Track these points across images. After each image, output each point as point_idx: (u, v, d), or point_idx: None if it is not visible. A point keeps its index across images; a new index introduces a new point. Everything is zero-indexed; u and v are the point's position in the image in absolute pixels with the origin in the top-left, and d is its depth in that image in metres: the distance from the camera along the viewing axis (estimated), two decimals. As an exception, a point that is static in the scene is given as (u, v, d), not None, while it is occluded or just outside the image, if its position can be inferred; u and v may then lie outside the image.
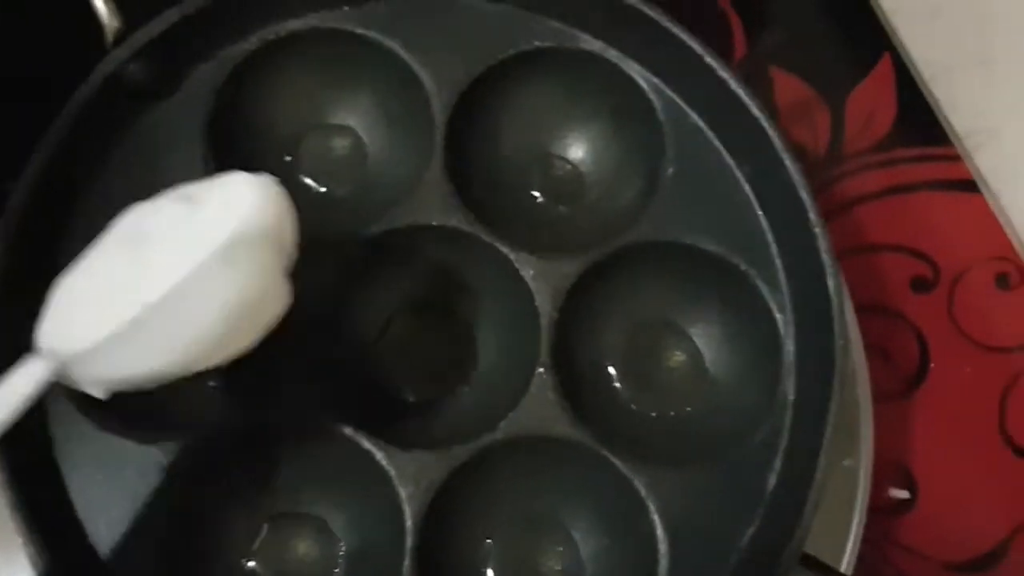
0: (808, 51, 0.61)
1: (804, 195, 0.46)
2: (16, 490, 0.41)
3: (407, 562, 0.43)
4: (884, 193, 0.60)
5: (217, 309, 0.36)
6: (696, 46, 0.47)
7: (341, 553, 0.46)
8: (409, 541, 0.43)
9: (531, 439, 0.45)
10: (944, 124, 0.61)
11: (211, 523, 0.45)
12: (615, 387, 0.49)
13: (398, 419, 0.47)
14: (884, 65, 0.62)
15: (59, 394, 0.44)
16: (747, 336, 0.48)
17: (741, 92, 0.47)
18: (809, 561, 0.43)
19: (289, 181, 0.49)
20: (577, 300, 0.47)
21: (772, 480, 0.45)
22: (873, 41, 0.62)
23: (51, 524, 0.42)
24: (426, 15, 0.49)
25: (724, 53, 0.60)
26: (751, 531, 0.44)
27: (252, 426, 0.45)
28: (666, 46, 0.48)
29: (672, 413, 0.48)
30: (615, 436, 0.46)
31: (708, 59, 0.47)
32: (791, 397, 0.46)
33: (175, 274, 0.36)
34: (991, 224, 0.59)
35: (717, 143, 0.49)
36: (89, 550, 0.43)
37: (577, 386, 0.46)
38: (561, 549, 0.47)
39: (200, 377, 0.39)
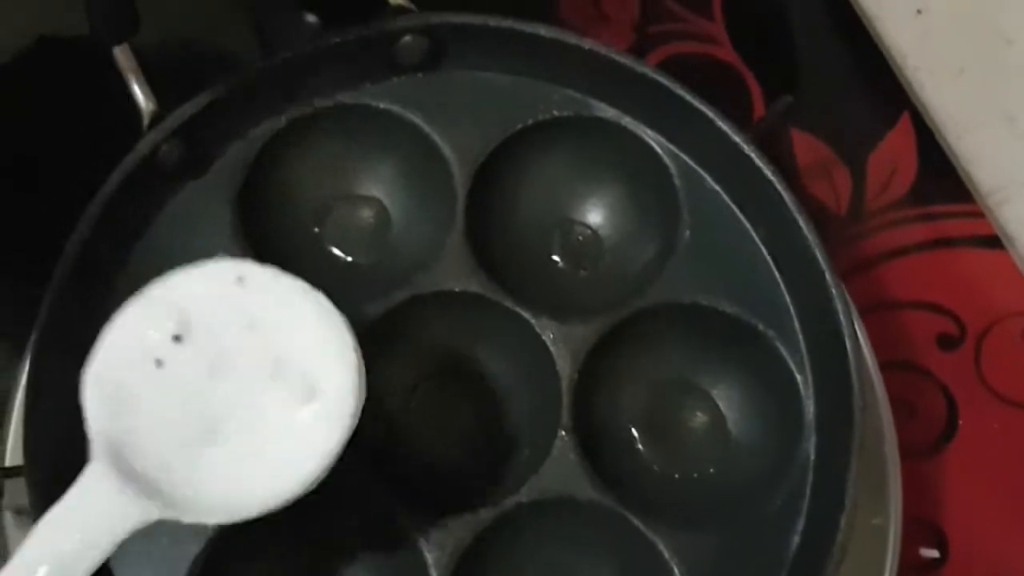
0: (827, 111, 0.62)
1: (820, 256, 0.46)
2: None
3: (434, 625, 0.44)
4: (907, 250, 0.60)
5: None
6: (708, 111, 0.48)
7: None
8: (435, 605, 0.44)
9: (554, 502, 0.46)
10: (966, 180, 0.61)
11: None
12: (637, 449, 0.49)
13: (423, 484, 0.48)
14: (904, 123, 0.62)
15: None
16: (768, 397, 0.48)
17: (753, 154, 0.48)
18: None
19: (316, 251, 0.51)
20: (597, 363, 0.47)
21: (795, 541, 0.45)
22: (893, 99, 0.63)
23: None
24: (446, 88, 0.51)
25: (742, 115, 0.61)
26: (775, 593, 0.44)
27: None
28: (680, 112, 0.49)
29: (695, 475, 0.48)
30: (638, 498, 0.46)
31: (720, 124, 0.48)
32: (812, 457, 0.46)
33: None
34: (1016, 279, 0.58)
35: (733, 206, 0.50)
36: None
37: (599, 448, 0.47)
38: (587, 611, 0.47)
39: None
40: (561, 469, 0.46)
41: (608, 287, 0.50)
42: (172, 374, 0.39)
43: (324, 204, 0.52)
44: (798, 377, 0.47)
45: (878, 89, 0.63)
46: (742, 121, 0.49)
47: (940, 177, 0.61)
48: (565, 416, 0.46)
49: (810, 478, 0.46)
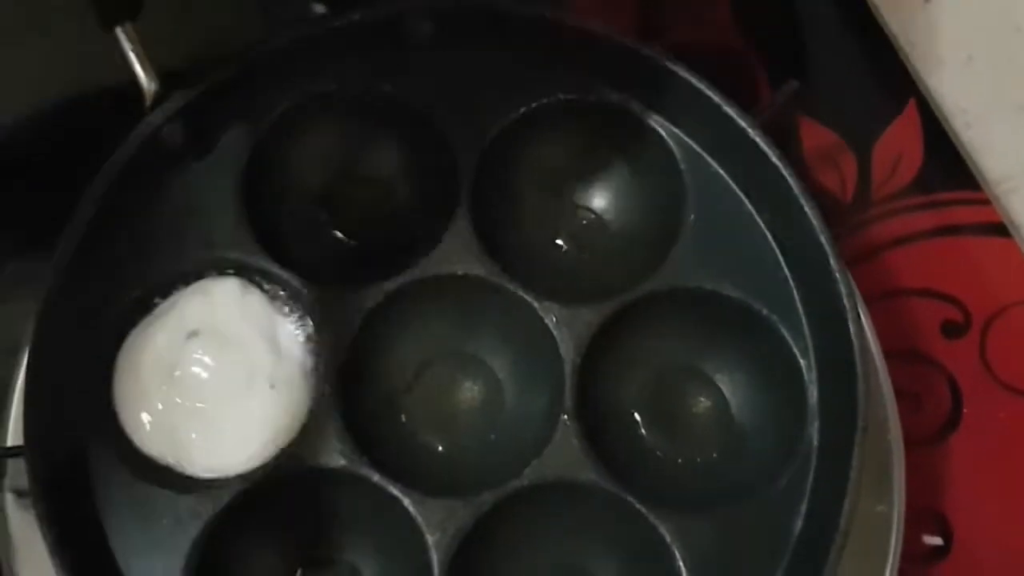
0: (834, 97, 0.62)
1: (824, 241, 0.46)
2: (56, 536, 0.42)
3: (434, 608, 0.44)
4: (913, 237, 0.59)
5: None
6: (714, 96, 0.48)
7: (371, 599, 0.47)
8: (436, 587, 0.44)
9: (557, 486, 0.46)
10: (974, 169, 0.61)
11: (246, 570, 0.46)
12: (640, 433, 0.49)
13: (426, 466, 0.48)
14: (910, 110, 0.62)
15: (99, 442, 0.46)
16: (771, 381, 0.48)
17: (759, 139, 0.48)
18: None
19: (321, 234, 0.51)
20: (601, 347, 0.47)
21: (798, 525, 0.45)
22: (900, 86, 0.63)
23: (91, 570, 0.43)
24: (450, 71, 0.51)
25: (748, 100, 0.60)
26: (778, 577, 0.44)
27: (284, 474, 0.46)
28: (685, 97, 0.49)
29: (698, 459, 0.48)
30: (640, 482, 0.46)
31: (726, 108, 0.48)
32: (816, 442, 0.46)
33: None
34: (1022, 267, 0.58)
35: (738, 190, 0.49)
36: (126, 596, 0.44)
37: (602, 433, 0.47)
38: (588, 596, 0.47)
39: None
40: (564, 453, 0.46)
41: (612, 271, 0.50)
42: None
43: (328, 187, 0.52)
44: (802, 362, 0.47)
45: (885, 76, 0.63)
46: (748, 106, 0.49)
47: (946, 165, 0.61)
48: (568, 400, 0.46)
49: (813, 464, 0.46)
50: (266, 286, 0.48)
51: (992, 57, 0.61)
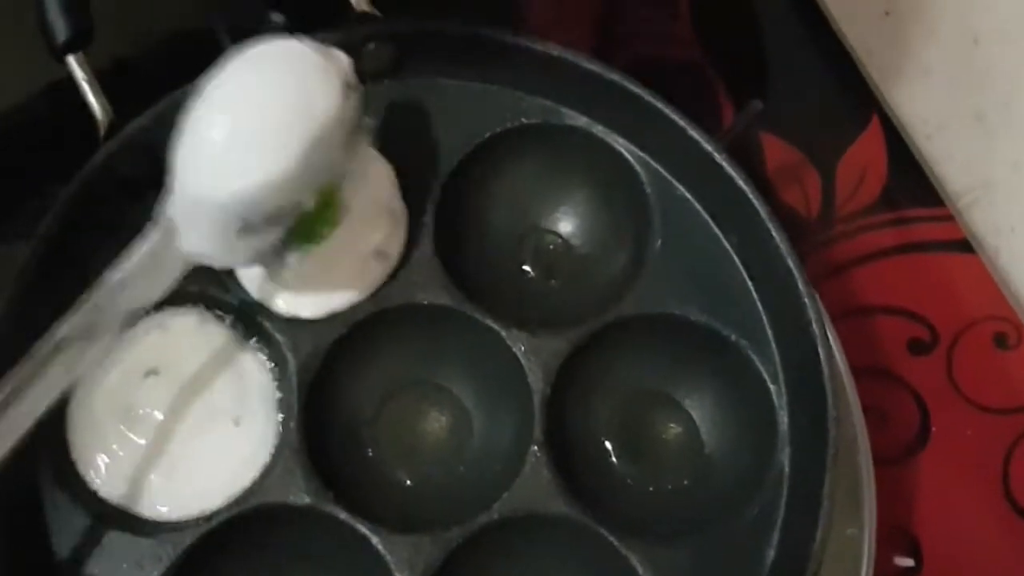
0: (796, 115, 0.62)
1: (792, 265, 0.46)
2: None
3: (405, 647, 0.43)
4: (878, 255, 0.59)
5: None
6: (679, 119, 0.48)
7: (339, 638, 0.46)
8: (406, 626, 0.43)
9: (527, 519, 0.45)
10: (936, 184, 0.61)
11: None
12: (611, 463, 0.48)
13: (393, 501, 0.47)
14: (874, 126, 0.62)
15: (54, 485, 0.44)
16: (741, 407, 0.48)
17: (725, 163, 0.47)
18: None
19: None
20: (569, 375, 0.47)
21: (770, 554, 0.45)
22: (862, 103, 0.63)
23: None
24: (411, 96, 0.50)
25: (710, 117, 0.60)
26: (751, 607, 0.44)
27: (247, 513, 0.45)
28: (650, 120, 0.48)
29: (669, 487, 0.48)
30: (611, 513, 0.45)
31: (691, 132, 0.48)
32: (787, 469, 0.46)
33: None
34: (987, 283, 0.58)
35: (704, 214, 0.49)
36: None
37: (572, 463, 0.46)
38: (560, 629, 0.46)
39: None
40: (534, 485, 0.45)
41: (580, 298, 0.50)
42: None
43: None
44: (771, 387, 0.47)
45: (848, 92, 0.63)
46: (711, 125, 0.49)
47: (911, 181, 0.61)
48: (537, 430, 0.46)
49: (785, 490, 0.45)
50: (226, 319, 0.47)
51: (951, 68, 0.61)
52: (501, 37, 0.49)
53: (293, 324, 0.47)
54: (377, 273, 0.47)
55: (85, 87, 0.47)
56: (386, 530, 0.44)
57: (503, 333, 0.47)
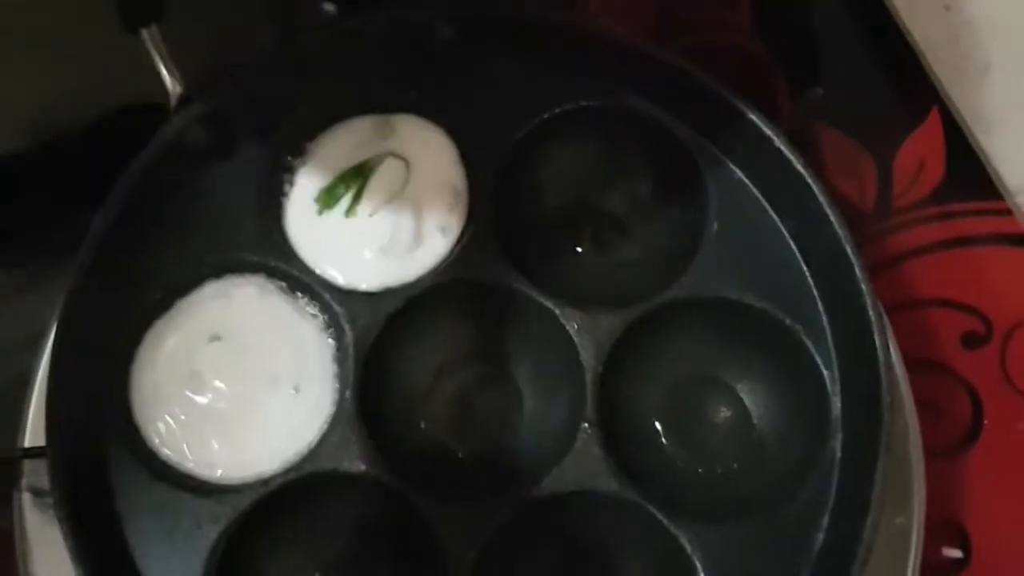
0: (855, 106, 0.61)
1: (849, 250, 0.46)
2: (77, 539, 0.42)
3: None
4: (934, 247, 0.59)
5: None
6: (739, 104, 0.48)
7: (390, 607, 0.46)
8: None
9: (576, 494, 0.45)
10: (994, 178, 0.60)
11: (264, 574, 0.46)
12: (661, 443, 0.49)
13: (445, 473, 0.48)
14: (932, 119, 0.62)
15: (119, 445, 0.46)
16: (794, 392, 0.48)
17: (784, 148, 0.47)
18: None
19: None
20: (622, 355, 0.47)
21: (819, 538, 0.45)
22: (921, 96, 0.62)
23: (110, 573, 0.43)
24: (471, 77, 0.50)
25: (769, 106, 0.60)
26: (798, 589, 0.44)
27: (303, 478, 0.46)
28: (709, 104, 0.48)
29: (719, 470, 0.48)
30: (660, 492, 0.46)
31: (751, 117, 0.48)
32: (838, 455, 0.46)
33: None
34: (1044, 278, 0.58)
35: (761, 199, 0.49)
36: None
37: (622, 442, 0.47)
38: (608, 606, 0.46)
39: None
40: (584, 462, 0.45)
41: (634, 279, 0.50)
42: None
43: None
44: (825, 373, 0.47)
45: (907, 85, 0.63)
46: (768, 112, 0.49)
47: (968, 175, 0.60)
48: (589, 408, 0.46)
49: (836, 476, 0.45)
50: (287, 289, 0.48)
51: (1012, 63, 0.60)
52: (562, 20, 0.50)
53: (351, 296, 0.48)
54: (438, 248, 0.48)
55: (157, 59, 0.48)
56: (437, 501, 0.45)
57: (557, 311, 0.47)
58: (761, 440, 0.48)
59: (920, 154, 0.61)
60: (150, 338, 0.47)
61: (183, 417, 0.46)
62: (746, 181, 0.49)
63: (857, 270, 0.45)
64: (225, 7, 0.59)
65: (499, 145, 0.50)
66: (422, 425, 0.49)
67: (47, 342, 0.48)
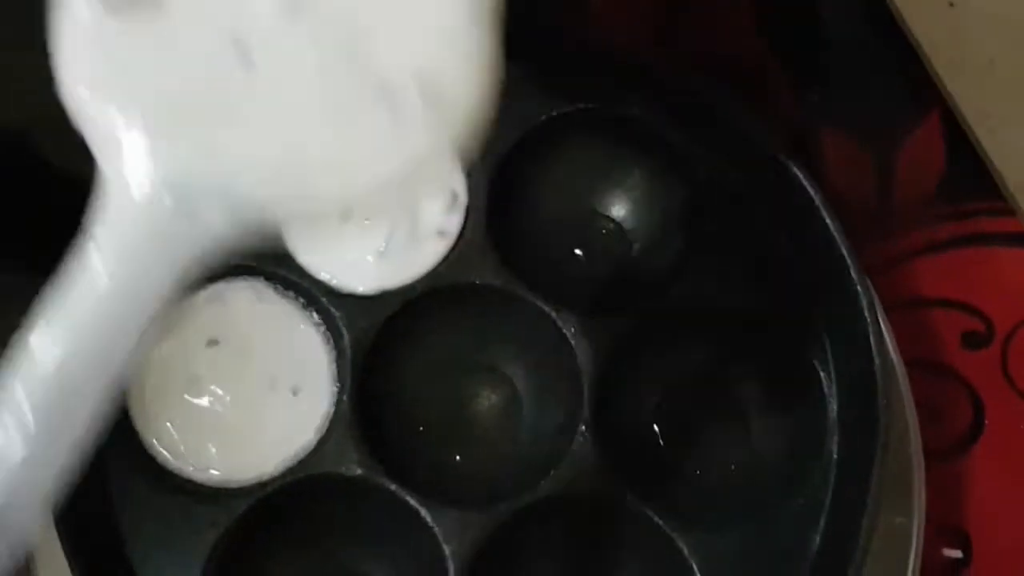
0: (857, 106, 0.61)
1: (845, 252, 0.46)
2: (74, 544, 0.43)
3: (451, 618, 0.44)
4: (935, 247, 0.59)
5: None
6: (735, 109, 0.48)
7: (387, 609, 0.47)
8: (452, 599, 0.44)
9: (574, 499, 0.45)
10: (996, 177, 0.60)
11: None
12: (658, 446, 0.49)
13: (442, 476, 0.48)
14: (934, 118, 0.61)
15: (117, 451, 0.46)
16: (791, 395, 0.48)
17: (780, 151, 0.47)
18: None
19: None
20: (619, 358, 0.47)
21: (816, 540, 0.45)
22: (922, 95, 0.62)
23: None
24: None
25: (771, 109, 0.60)
26: (796, 592, 0.44)
27: (301, 482, 0.46)
28: (706, 107, 0.49)
29: (716, 472, 0.48)
30: (658, 496, 0.46)
31: (747, 120, 0.48)
32: (835, 456, 0.46)
33: None
34: (1046, 278, 0.58)
35: (758, 202, 0.49)
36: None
37: (620, 445, 0.47)
38: (605, 609, 0.47)
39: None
40: (581, 466, 0.45)
41: (631, 283, 0.50)
42: None
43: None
44: (822, 375, 0.47)
45: (908, 84, 0.62)
46: (770, 114, 0.49)
47: (970, 173, 0.60)
48: (585, 412, 0.46)
49: (832, 478, 0.45)
50: (284, 292, 0.49)
51: (1016, 61, 0.60)
52: (558, 24, 0.50)
53: (348, 299, 0.48)
54: (436, 252, 0.48)
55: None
56: (435, 504, 0.45)
57: (554, 315, 0.47)
58: (758, 443, 0.48)
59: (921, 153, 0.61)
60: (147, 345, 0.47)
61: (181, 422, 0.46)
62: (743, 184, 0.49)
63: (852, 272, 0.45)
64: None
65: (497, 148, 0.50)
66: (420, 429, 0.49)
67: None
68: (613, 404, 0.47)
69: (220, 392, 0.47)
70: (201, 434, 0.46)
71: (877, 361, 0.44)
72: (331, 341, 0.48)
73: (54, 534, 0.43)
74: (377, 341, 0.48)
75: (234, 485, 0.46)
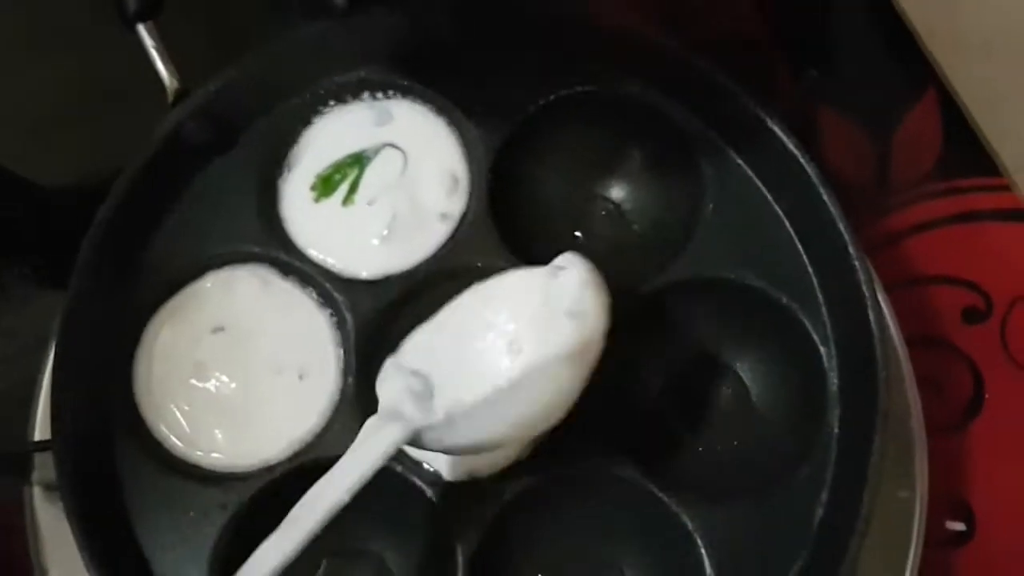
0: (854, 86, 0.62)
1: (843, 228, 0.46)
2: (84, 530, 0.43)
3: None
4: (933, 224, 0.59)
5: (553, 393, 0.40)
6: (733, 86, 0.48)
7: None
8: (461, 576, 0.44)
9: (578, 475, 0.46)
10: (992, 155, 0.60)
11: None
12: (663, 422, 0.49)
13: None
14: (930, 97, 0.62)
15: (125, 437, 0.46)
16: (792, 370, 0.48)
17: (778, 129, 0.48)
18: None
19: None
20: (621, 336, 0.47)
21: (819, 513, 0.45)
22: (918, 74, 0.62)
23: (118, 563, 0.44)
24: (469, 64, 0.51)
25: (768, 90, 0.60)
26: (799, 564, 0.44)
27: (308, 465, 0.46)
28: (704, 86, 0.49)
29: (719, 447, 0.48)
30: (663, 472, 0.46)
31: (745, 98, 0.48)
32: (836, 430, 0.46)
33: (532, 358, 0.39)
34: (1043, 253, 0.58)
35: (756, 179, 0.49)
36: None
37: (624, 421, 0.47)
38: (611, 584, 0.47)
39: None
40: (585, 442, 0.46)
41: (633, 262, 0.50)
42: None
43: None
44: (822, 350, 0.47)
45: (905, 64, 0.63)
46: (769, 95, 0.49)
47: (966, 151, 0.61)
48: (589, 389, 0.46)
49: (834, 451, 0.46)
50: (289, 278, 0.49)
51: (1012, 41, 0.60)
52: (558, 7, 0.50)
53: (352, 284, 0.48)
54: (440, 235, 0.49)
55: (155, 55, 0.48)
56: (442, 483, 0.45)
57: (556, 294, 0.48)
58: (760, 417, 0.49)
59: (918, 132, 0.61)
60: (153, 330, 0.48)
61: (188, 407, 0.47)
62: (741, 163, 0.50)
63: (851, 248, 0.46)
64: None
65: (497, 130, 0.50)
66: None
67: (52, 337, 0.49)
68: (616, 382, 0.47)
69: (226, 378, 0.47)
70: (208, 419, 0.47)
71: (876, 334, 0.44)
72: (336, 326, 0.48)
73: (63, 519, 0.43)
74: (381, 325, 0.48)
75: (241, 469, 0.46)
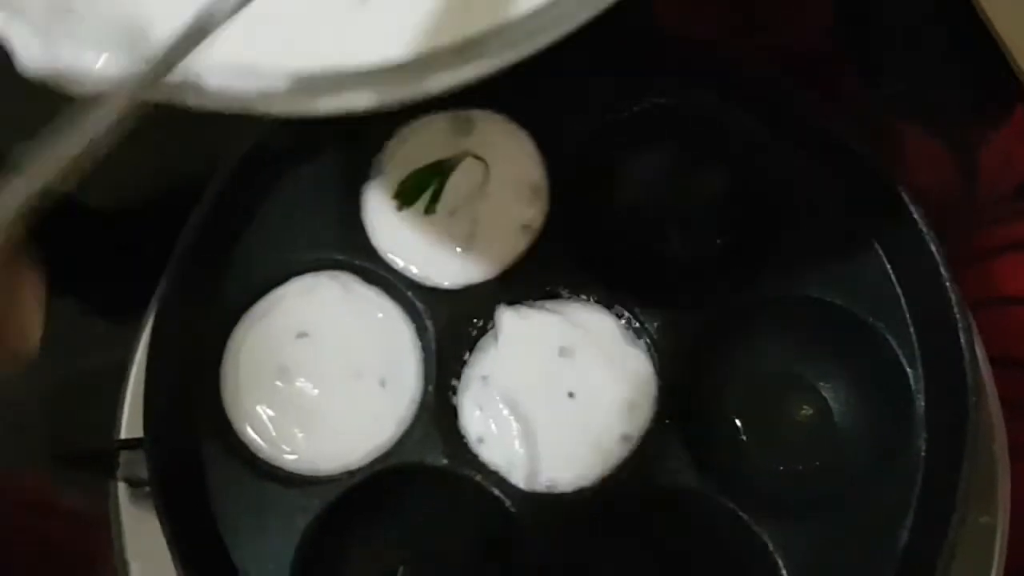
0: (939, 104, 0.61)
1: (934, 248, 0.45)
2: (173, 528, 0.44)
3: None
4: (1019, 245, 0.58)
5: None
6: (815, 103, 0.48)
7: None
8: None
9: (659, 492, 0.46)
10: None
11: (351, 563, 0.47)
12: (742, 440, 0.49)
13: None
14: (1019, 115, 0.61)
15: (212, 437, 0.47)
16: (877, 390, 0.48)
17: (863, 147, 0.47)
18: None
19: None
20: (702, 353, 0.47)
21: (904, 537, 0.45)
22: (1005, 87, 0.61)
23: (205, 561, 0.45)
24: (542, 78, 0.51)
25: (848, 107, 0.60)
26: (882, 588, 0.44)
27: (388, 471, 0.47)
28: (782, 103, 0.49)
29: (800, 467, 0.48)
30: (742, 489, 0.46)
31: (828, 115, 0.48)
32: (923, 453, 0.45)
33: None
34: None
35: (842, 197, 0.49)
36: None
37: (703, 439, 0.47)
38: (691, 603, 0.47)
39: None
40: (666, 459, 0.46)
41: (715, 277, 0.50)
42: None
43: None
44: (909, 371, 0.46)
45: (993, 81, 0.62)
46: (846, 110, 0.48)
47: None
48: (671, 406, 0.46)
49: (920, 475, 0.45)
50: (371, 286, 0.49)
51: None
52: (633, 24, 0.50)
53: (433, 293, 0.48)
54: (520, 246, 0.49)
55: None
56: (518, 492, 0.46)
57: (637, 310, 0.48)
58: (844, 438, 0.48)
59: (1006, 150, 0.60)
60: (239, 335, 0.49)
61: (272, 411, 0.47)
62: (826, 179, 0.49)
63: (942, 268, 0.45)
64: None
65: (578, 142, 0.50)
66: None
67: (141, 335, 0.51)
68: (697, 397, 0.47)
69: (309, 383, 0.48)
70: (291, 423, 0.47)
71: (966, 359, 0.44)
72: (417, 334, 0.48)
73: (146, 514, 0.44)
74: (461, 334, 0.48)
75: (323, 473, 0.47)
